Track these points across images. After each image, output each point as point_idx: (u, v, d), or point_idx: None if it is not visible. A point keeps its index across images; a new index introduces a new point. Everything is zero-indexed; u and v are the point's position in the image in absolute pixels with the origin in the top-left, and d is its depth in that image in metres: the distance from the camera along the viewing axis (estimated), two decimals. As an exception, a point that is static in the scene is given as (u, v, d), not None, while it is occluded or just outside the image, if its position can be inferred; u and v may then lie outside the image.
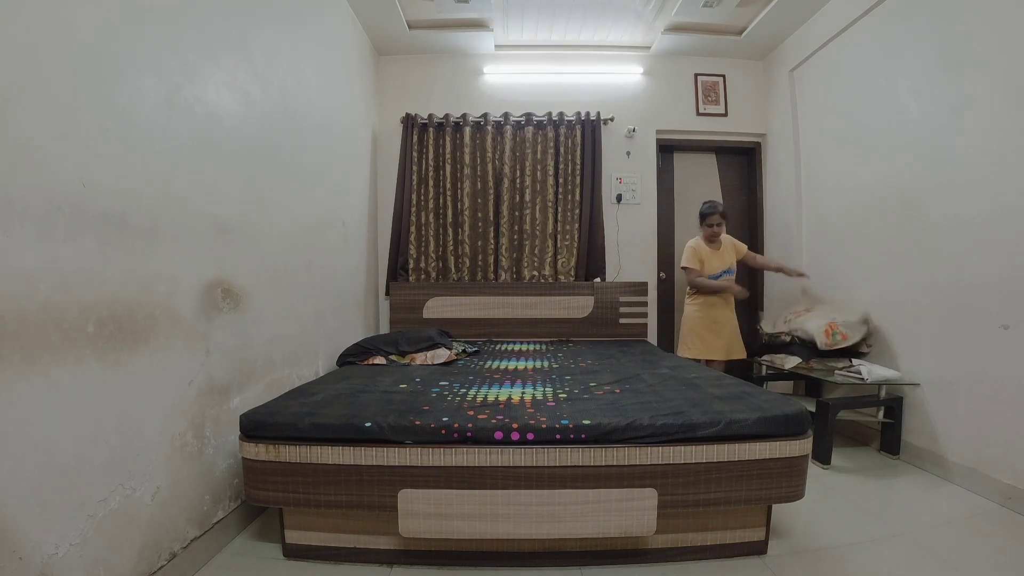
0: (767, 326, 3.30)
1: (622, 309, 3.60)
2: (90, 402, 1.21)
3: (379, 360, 2.63)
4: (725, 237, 3.22)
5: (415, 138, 3.65)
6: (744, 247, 3.28)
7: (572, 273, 3.67)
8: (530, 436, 1.50)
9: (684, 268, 3.17)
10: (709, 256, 3.14)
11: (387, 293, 3.70)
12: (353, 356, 2.67)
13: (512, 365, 2.54)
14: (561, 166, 3.68)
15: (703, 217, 3.15)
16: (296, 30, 2.36)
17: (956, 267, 2.26)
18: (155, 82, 1.44)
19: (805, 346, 2.90)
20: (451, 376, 2.23)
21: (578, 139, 3.68)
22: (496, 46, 3.68)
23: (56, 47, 1.14)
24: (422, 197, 3.68)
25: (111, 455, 1.27)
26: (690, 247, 3.17)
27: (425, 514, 1.48)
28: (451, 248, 3.66)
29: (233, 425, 1.74)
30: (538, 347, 3.21)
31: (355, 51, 3.23)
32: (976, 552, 1.68)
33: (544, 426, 1.52)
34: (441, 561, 1.61)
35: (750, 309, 3.94)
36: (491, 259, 3.68)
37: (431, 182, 3.66)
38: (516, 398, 1.82)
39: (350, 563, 1.62)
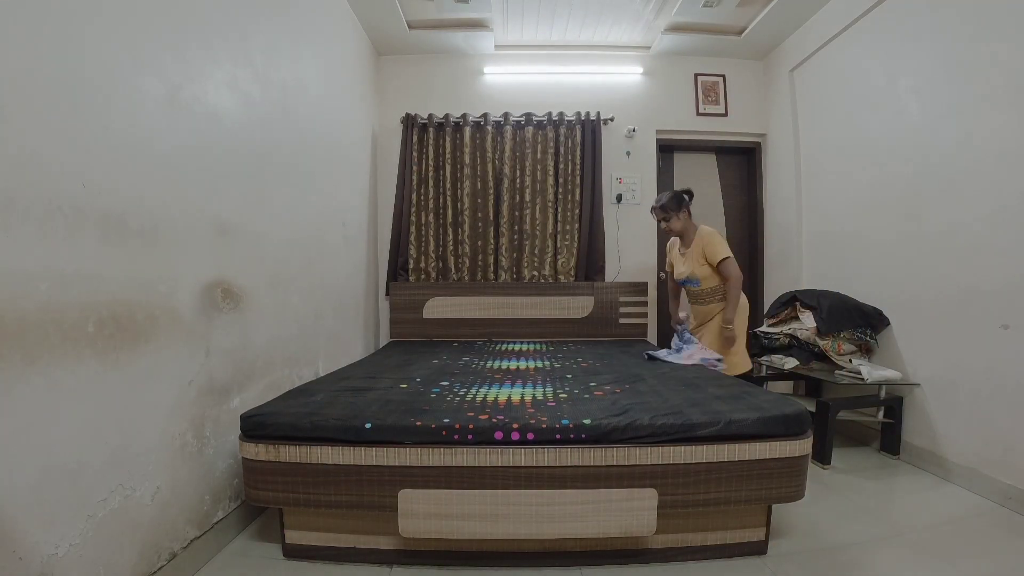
0: (767, 325, 3.30)
1: (622, 309, 3.60)
2: (90, 402, 1.21)
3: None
4: (699, 236, 2.67)
5: (415, 138, 3.65)
6: (716, 256, 2.60)
7: (572, 273, 3.67)
8: (530, 436, 1.50)
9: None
10: (676, 257, 2.87)
11: (387, 293, 3.70)
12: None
13: (512, 365, 2.54)
14: (561, 166, 3.68)
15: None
16: (296, 30, 2.35)
17: (956, 267, 2.26)
18: (155, 82, 1.44)
19: (803, 348, 2.90)
20: (451, 376, 2.23)
21: (578, 139, 3.68)
22: (496, 46, 3.68)
23: (56, 47, 1.13)
24: (422, 197, 3.68)
25: (111, 455, 1.27)
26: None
27: (425, 514, 1.48)
28: (451, 248, 3.66)
29: (233, 425, 1.74)
30: (538, 347, 3.21)
31: (355, 51, 3.23)
32: (976, 552, 1.68)
33: (544, 426, 1.52)
34: (441, 561, 1.61)
35: (749, 311, 3.92)
36: (491, 259, 3.68)
37: (431, 182, 3.66)
38: (516, 398, 1.81)
39: (350, 563, 1.62)
